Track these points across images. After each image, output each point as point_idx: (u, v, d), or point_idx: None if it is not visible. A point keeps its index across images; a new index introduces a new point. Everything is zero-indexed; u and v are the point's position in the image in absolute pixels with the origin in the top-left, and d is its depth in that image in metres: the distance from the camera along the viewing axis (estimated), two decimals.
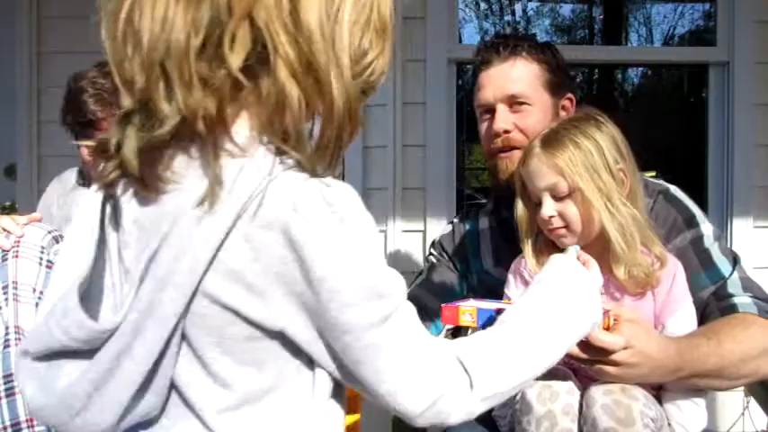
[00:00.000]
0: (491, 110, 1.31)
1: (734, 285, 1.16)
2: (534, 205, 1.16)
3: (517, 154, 1.25)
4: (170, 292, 0.59)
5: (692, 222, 1.21)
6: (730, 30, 2.28)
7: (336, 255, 0.60)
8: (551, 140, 1.12)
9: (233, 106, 0.62)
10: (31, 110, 2.75)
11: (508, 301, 1.15)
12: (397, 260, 2.33)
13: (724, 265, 1.18)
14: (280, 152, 0.62)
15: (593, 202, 1.08)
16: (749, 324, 1.10)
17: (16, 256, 1.31)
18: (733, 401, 1.98)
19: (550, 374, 1.03)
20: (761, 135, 2.27)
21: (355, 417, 1.79)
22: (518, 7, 3.43)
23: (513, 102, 1.29)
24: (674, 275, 1.12)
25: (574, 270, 0.88)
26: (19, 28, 2.80)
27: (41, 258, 1.34)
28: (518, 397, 1.05)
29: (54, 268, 0.68)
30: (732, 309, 1.13)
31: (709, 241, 1.20)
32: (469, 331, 1.16)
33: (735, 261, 1.20)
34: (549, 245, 1.17)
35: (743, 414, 1.90)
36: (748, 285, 1.17)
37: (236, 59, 0.58)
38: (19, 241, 1.30)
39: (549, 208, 1.11)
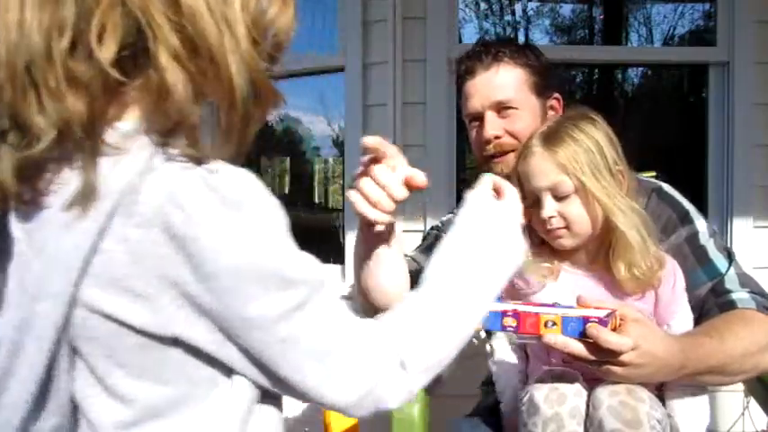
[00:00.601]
0: (479, 117, 1.32)
1: (731, 281, 1.17)
2: (529, 205, 1.14)
3: (512, 157, 1.27)
4: (45, 305, 0.54)
5: (686, 219, 1.22)
6: (730, 30, 2.28)
7: (229, 243, 0.55)
8: (552, 138, 1.10)
9: (117, 103, 0.57)
10: None
11: (512, 302, 1.15)
12: None
13: (720, 261, 1.18)
14: (165, 143, 0.56)
15: (600, 200, 1.07)
16: (749, 320, 1.11)
17: None
18: (733, 401, 1.98)
19: (558, 377, 1.03)
20: (761, 135, 2.26)
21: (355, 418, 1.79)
22: (518, 7, 3.43)
23: (501, 108, 1.29)
24: (674, 275, 1.12)
25: (488, 206, 0.82)
26: None
27: None
28: (525, 398, 1.05)
29: None
30: (731, 305, 1.14)
31: (705, 237, 1.20)
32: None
33: (730, 257, 1.20)
34: (542, 245, 1.16)
35: (743, 414, 1.90)
36: (745, 281, 1.17)
37: (106, 53, 0.53)
38: None
39: (549, 208, 1.10)
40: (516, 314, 0.96)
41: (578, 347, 0.95)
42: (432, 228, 1.55)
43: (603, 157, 1.09)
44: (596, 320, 0.93)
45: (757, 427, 1.85)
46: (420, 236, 2.32)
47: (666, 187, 1.28)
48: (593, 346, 0.95)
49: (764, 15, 2.26)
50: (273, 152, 3.48)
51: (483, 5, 3.24)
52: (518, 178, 1.16)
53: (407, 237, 2.35)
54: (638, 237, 1.07)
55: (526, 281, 1.12)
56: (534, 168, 1.11)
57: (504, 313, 0.97)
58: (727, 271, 1.18)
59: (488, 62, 1.30)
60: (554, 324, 0.94)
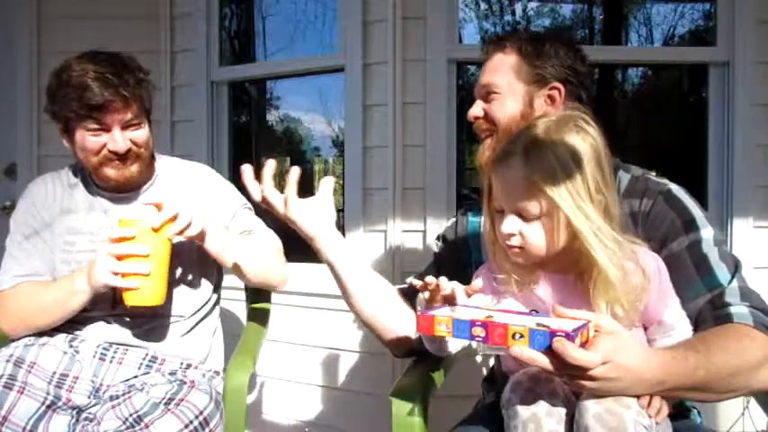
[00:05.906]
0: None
1: (732, 294, 1.12)
2: (495, 210, 1.11)
3: (488, 142, 1.38)
4: None
5: (690, 226, 1.17)
6: (730, 30, 2.28)
7: None
8: (535, 152, 1.04)
9: None
10: (31, 110, 2.75)
11: (488, 307, 1.13)
12: (397, 260, 2.33)
13: (722, 272, 1.13)
14: None
15: (578, 230, 1.02)
16: (742, 336, 1.06)
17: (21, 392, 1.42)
18: (733, 402, 1.98)
19: (534, 378, 1.02)
20: (761, 135, 2.27)
21: None
22: (518, 7, 3.43)
23: (485, 92, 1.39)
24: (659, 273, 1.08)
25: None
26: (19, 28, 2.80)
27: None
28: (504, 401, 1.05)
29: None
30: (727, 318, 1.09)
31: (708, 246, 1.15)
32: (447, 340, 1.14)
33: (735, 268, 1.15)
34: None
35: (743, 414, 1.90)
36: (747, 294, 1.12)
37: None
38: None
39: (511, 226, 1.06)
40: (485, 324, 0.93)
41: (544, 361, 0.90)
42: (436, 238, 1.56)
43: (585, 182, 1.03)
44: (563, 335, 0.88)
45: (757, 427, 1.85)
46: (420, 236, 2.33)
47: (676, 190, 1.22)
48: (562, 362, 0.90)
49: (764, 15, 2.26)
50: (273, 152, 3.48)
51: (483, 5, 3.23)
52: (489, 178, 1.12)
53: (408, 236, 2.36)
54: (619, 274, 1.02)
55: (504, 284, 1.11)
56: (508, 182, 1.06)
57: (473, 323, 0.94)
58: (729, 283, 1.13)
59: (490, 50, 1.40)
60: (521, 336, 0.90)
